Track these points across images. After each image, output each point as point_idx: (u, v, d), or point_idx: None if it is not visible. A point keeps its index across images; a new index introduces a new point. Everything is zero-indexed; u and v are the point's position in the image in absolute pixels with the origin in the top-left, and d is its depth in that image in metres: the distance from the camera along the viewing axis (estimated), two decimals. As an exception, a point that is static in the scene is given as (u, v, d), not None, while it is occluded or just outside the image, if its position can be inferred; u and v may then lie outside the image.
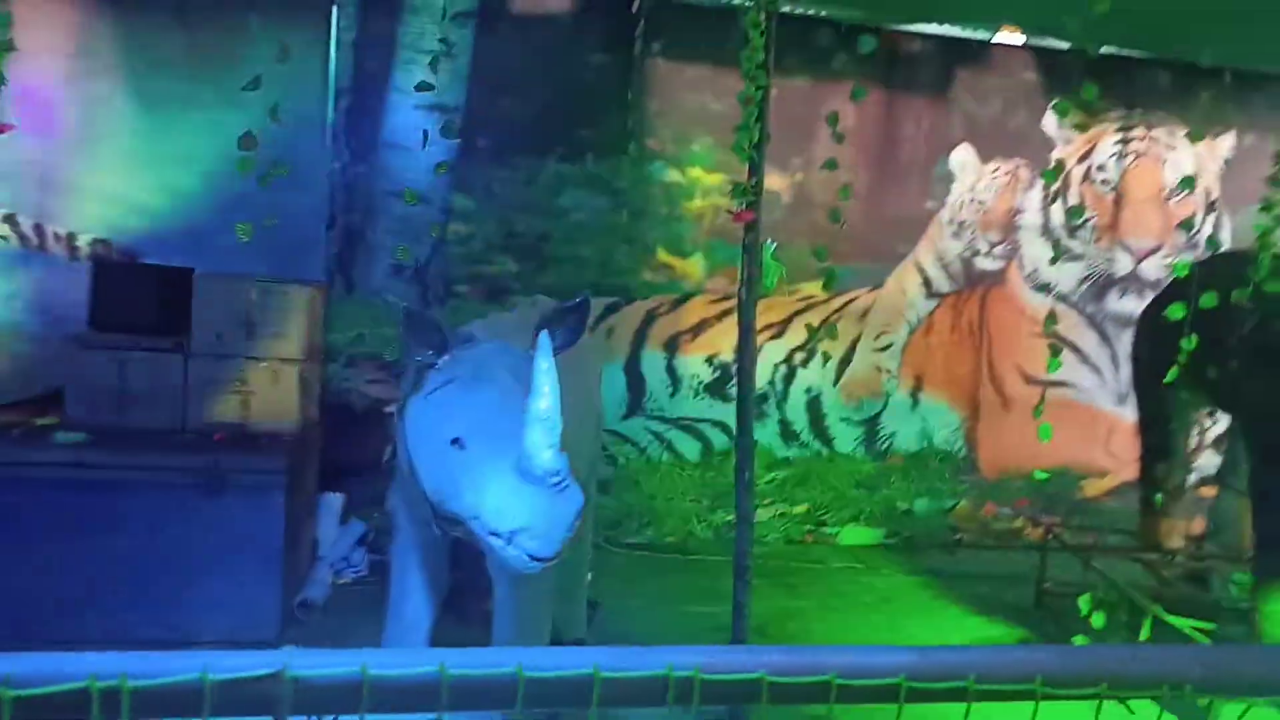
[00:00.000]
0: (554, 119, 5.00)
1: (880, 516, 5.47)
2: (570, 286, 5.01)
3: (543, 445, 2.26)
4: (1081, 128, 5.46)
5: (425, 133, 3.85)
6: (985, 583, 4.85)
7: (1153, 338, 4.14)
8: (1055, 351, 3.34)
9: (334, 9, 4.76)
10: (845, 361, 5.39)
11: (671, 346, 5.20)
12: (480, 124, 4.89)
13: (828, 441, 5.40)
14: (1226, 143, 5.65)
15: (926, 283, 5.44)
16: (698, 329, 5.20)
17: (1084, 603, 3.76)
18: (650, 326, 5.17)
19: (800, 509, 5.38)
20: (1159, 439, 4.13)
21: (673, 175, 5.11)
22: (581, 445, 3.18)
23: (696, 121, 5.12)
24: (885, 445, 5.46)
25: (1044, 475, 4.21)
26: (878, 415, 5.44)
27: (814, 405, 5.37)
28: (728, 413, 5.26)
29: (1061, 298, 5.52)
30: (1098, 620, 3.65)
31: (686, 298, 5.18)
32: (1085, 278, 5.55)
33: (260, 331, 3.70)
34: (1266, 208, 3.58)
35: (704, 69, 5.12)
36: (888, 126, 5.35)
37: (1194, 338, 3.95)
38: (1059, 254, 5.37)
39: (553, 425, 2.27)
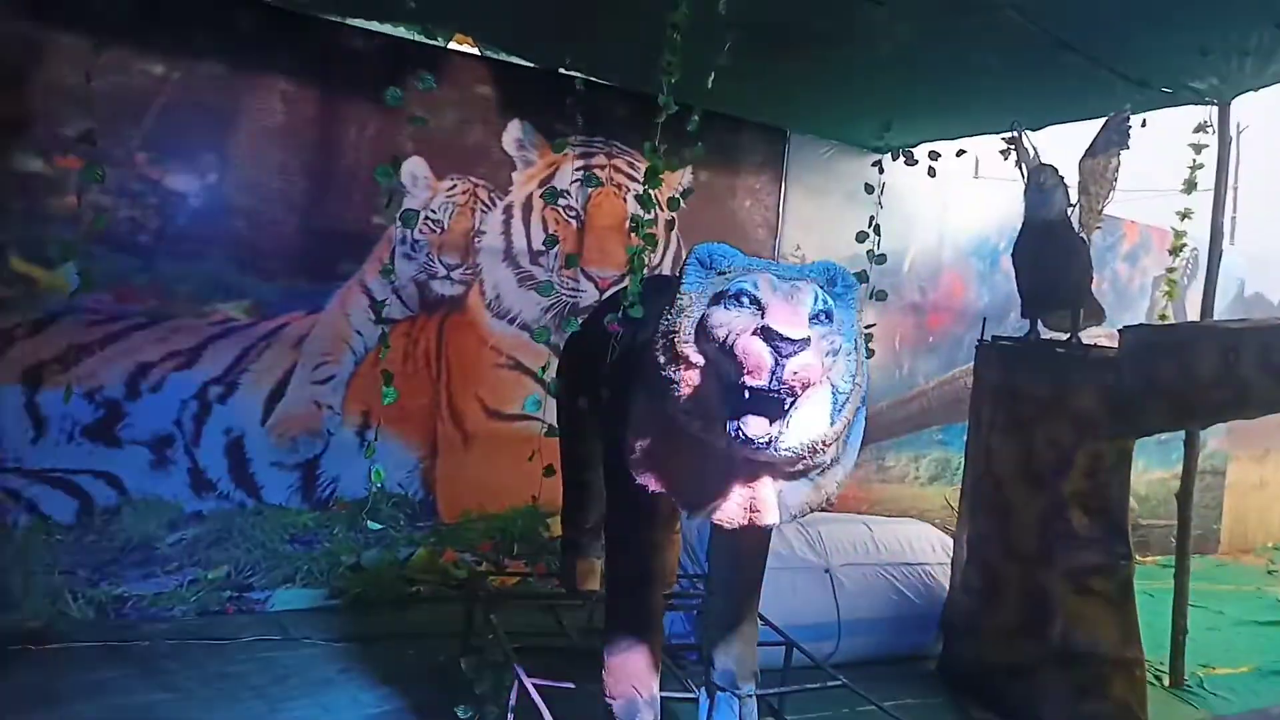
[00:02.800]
0: None
1: (321, 575, 4.88)
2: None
3: None
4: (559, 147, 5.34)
5: None
6: (424, 642, 4.44)
7: (562, 368, 4.00)
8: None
9: None
10: (276, 396, 4.74)
11: (33, 379, 4.21)
12: None
13: (254, 491, 4.71)
14: (683, 178, 5.89)
15: (375, 307, 4.98)
16: (71, 357, 4.26)
17: (467, 665, 3.46)
18: (1, 354, 4.14)
19: (218, 573, 4.61)
20: (573, 473, 3.97)
21: (32, 164, 4.15)
22: None
23: (70, 102, 4.20)
24: (327, 492, 4.89)
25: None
26: (317, 457, 4.86)
27: (235, 448, 4.65)
28: (116, 460, 4.42)
29: (525, 326, 5.36)
30: (480, 684, 3.36)
31: (53, 318, 4.22)
32: (550, 306, 5.44)
33: None
34: (635, 228, 3.56)
35: (80, 39, 4.21)
36: (326, 129, 4.84)
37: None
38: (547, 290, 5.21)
39: None
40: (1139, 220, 8.29)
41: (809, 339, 2.28)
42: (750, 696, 3.00)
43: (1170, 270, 5.66)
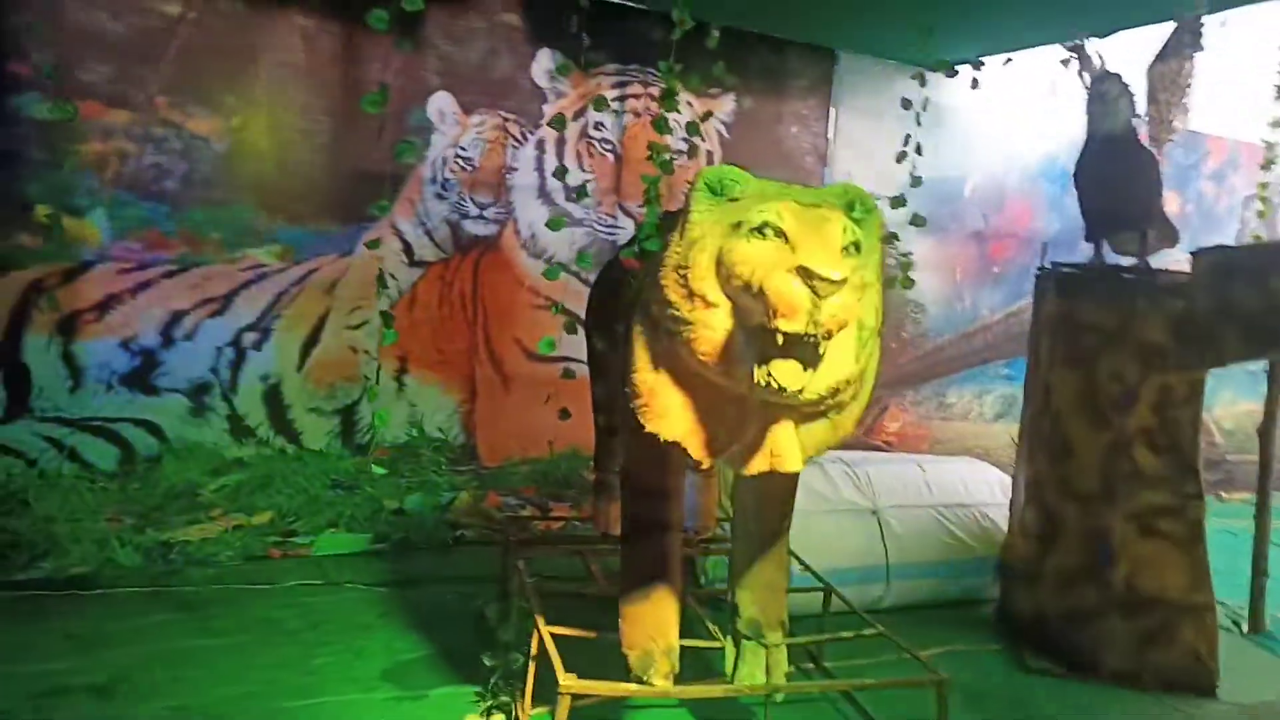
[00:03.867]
0: None
1: (365, 519, 4.88)
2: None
3: None
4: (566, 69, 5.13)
5: None
6: (464, 587, 4.42)
7: (590, 308, 3.85)
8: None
9: None
10: (311, 342, 4.71)
11: (68, 329, 4.24)
12: None
13: (293, 437, 4.72)
14: (725, 105, 5.64)
15: (408, 249, 4.90)
16: (105, 306, 4.28)
17: (492, 612, 3.40)
18: (35, 304, 4.17)
19: (262, 518, 4.65)
20: (602, 415, 3.85)
21: (54, 110, 4.12)
22: None
23: (90, 44, 4.16)
24: (366, 437, 4.87)
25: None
26: (355, 403, 4.83)
27: (273, 395, 4.66)
28: (155, 408, 4.45)
29: (563, 266, 5.21)
30: (505, 632, 3.30)
31: (86, 267, 4.23)
32: (589, 244, 5.28)
33: None
34: (652, 155, 3.36)
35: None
36: (348, 67, 4.72)
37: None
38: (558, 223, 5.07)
39: None
40: (1227, 135, 7.73)
41: (846, 278, 2.08)
42: (778, 646, 2.87)
43: (1262, 186, 5.22)
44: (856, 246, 2.28)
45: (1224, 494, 7.51)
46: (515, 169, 5.09)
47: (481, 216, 5.05)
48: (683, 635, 2.92)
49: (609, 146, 5.32)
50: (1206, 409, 7.97)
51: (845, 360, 2.26)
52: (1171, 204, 7.79)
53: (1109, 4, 4.61)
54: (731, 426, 2.41)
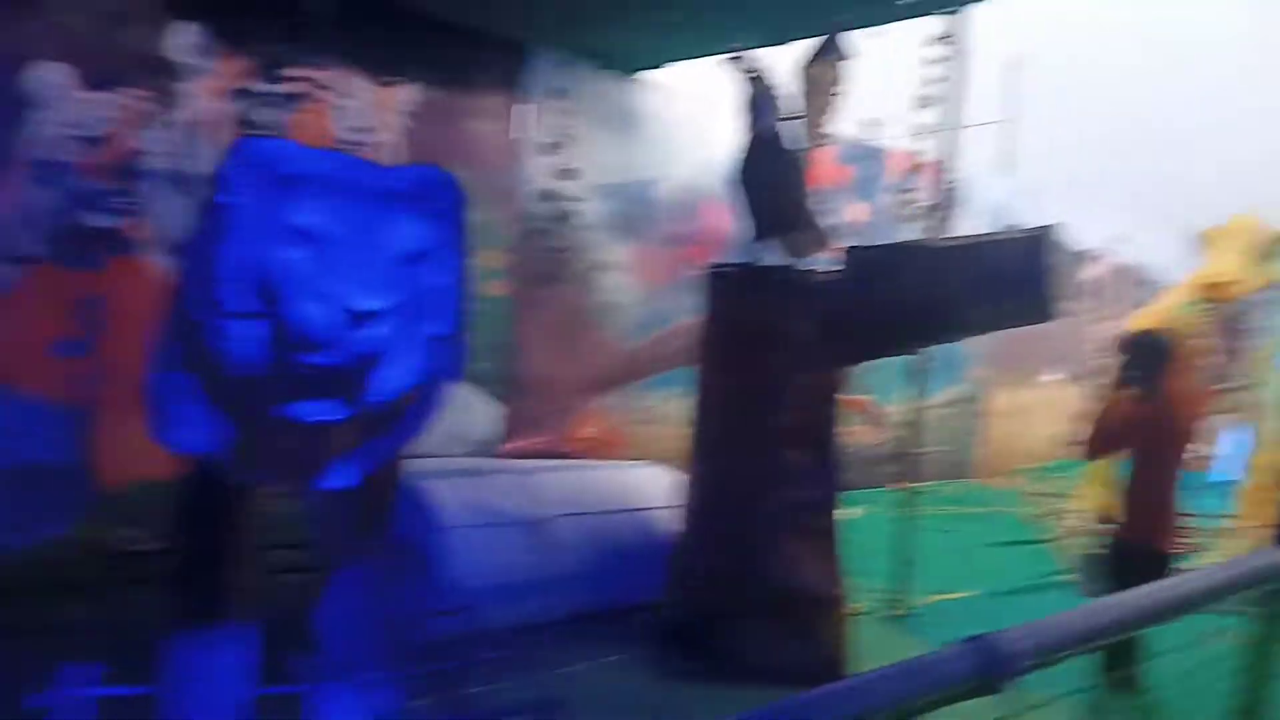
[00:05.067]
0: None
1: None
2: None
3: None
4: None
5: None
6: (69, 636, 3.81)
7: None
8: None
9: None
10: None
11: None
12: None
13: None
14: (406, 95, 5.33)
15: (8, 245, 4.22)
16: None
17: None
18: None
19: None
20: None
21: None
22: None
23: None
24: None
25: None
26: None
27: None
28: None
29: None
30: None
31: None
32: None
33: None
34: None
35: None
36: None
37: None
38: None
39: None
40: (907, 147, 8.29)
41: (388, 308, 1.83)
42: (375, 685, 2.59)
43: (905, 192, 5.57)
44: (420, 255, 2.07)
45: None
46: (149, 154, 4.52)
47: (106, 209, 4.44)
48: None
49: (273, 135, 4.85)
50: (884, 403, 8.52)
51: (403, 375, 2.07)
52: (861, 214, 8.27)
53: (780, 17, 4.73)
54: (264, 439, 2.13)
